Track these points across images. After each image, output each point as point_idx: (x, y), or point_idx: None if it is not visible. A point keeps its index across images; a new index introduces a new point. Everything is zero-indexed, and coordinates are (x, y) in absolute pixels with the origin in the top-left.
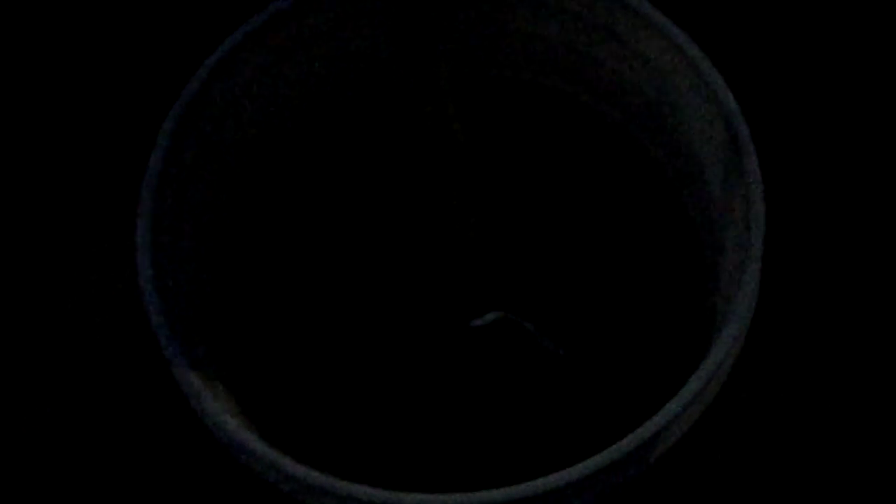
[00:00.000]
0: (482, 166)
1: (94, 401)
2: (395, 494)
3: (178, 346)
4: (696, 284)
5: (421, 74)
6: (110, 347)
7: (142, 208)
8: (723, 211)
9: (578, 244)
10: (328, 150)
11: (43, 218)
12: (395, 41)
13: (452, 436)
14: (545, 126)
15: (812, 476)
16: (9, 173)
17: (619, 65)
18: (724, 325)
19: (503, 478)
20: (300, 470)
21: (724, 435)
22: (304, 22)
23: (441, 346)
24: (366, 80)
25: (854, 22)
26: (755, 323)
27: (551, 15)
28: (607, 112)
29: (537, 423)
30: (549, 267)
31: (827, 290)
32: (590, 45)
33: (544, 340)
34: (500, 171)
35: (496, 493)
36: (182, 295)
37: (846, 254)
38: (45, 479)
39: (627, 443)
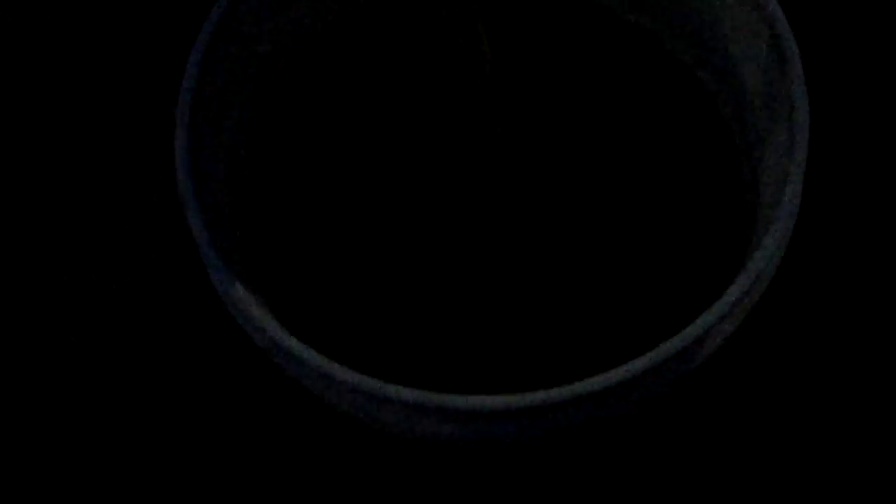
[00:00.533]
0: (516, 74)
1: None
2: (443, 396)
3: (215, 252)
4: (734, 196)
5: None
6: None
7: (179, 122)
8: (763, 119)
9: (615, 157)
10: (351, 57)
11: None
12: None
13: (493, 341)
14: (582, 39)
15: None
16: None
17: None
18: (766, 229)
19: (542, 382)
20: (336, 369)
21: (727, 424)
22: None
23: (475, 266)
24: None
25: None
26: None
27: None
28: (648, 27)
29: (571, 332)
30: (588, 178)
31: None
32: None
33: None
34: (537, 83)
35: (538, 395)
36: (218, 198)
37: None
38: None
39: (682, 337)
